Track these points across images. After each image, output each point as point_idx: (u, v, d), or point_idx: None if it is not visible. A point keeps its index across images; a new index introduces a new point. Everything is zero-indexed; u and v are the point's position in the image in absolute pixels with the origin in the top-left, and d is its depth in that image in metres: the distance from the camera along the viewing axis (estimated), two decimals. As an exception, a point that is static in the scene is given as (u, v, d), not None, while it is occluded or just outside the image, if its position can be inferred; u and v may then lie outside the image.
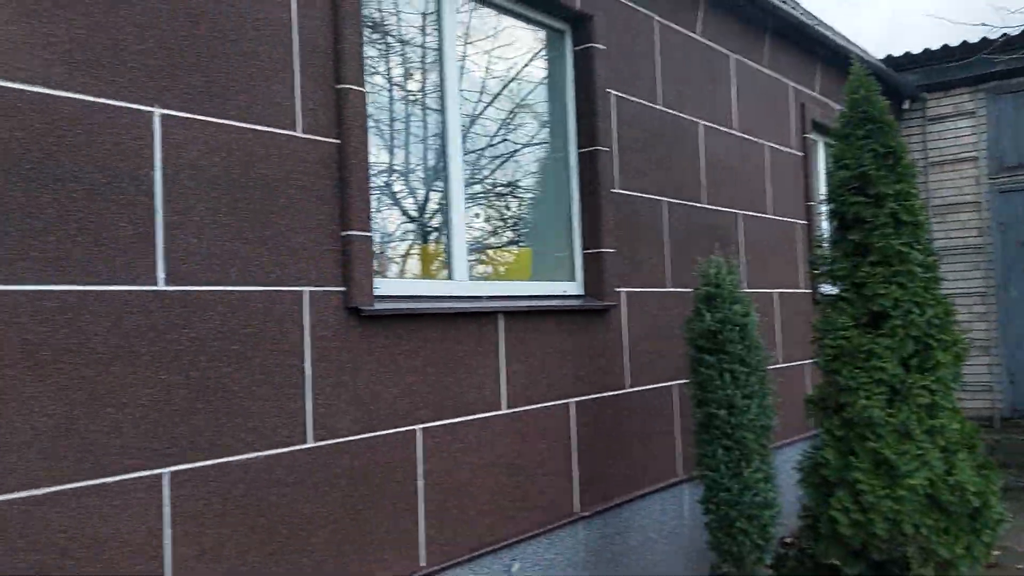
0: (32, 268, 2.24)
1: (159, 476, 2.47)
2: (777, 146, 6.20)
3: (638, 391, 4.57)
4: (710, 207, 5.30)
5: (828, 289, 6.47)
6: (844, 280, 4.54)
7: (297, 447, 2.84)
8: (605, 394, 4.32)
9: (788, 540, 5.49)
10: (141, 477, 2.43)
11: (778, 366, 5.99)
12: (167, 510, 2.48)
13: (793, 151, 6.44)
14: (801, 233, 6.46)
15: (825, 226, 6.55)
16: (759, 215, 5.87)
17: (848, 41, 7.54)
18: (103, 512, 2.33)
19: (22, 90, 2.25)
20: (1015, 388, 8.20)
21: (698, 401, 3.99)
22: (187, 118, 2.62)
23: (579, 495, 4.09)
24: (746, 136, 5.78)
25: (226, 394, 2.66)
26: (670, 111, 4.98)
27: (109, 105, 2.43)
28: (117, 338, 2.40)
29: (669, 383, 4.83)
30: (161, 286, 2.52)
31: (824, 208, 6.55)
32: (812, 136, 6.77)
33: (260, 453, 2.73)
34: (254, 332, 2.75)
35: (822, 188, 6.97)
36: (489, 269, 3.97)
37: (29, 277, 2.23)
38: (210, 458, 2.60)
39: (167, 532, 2.48)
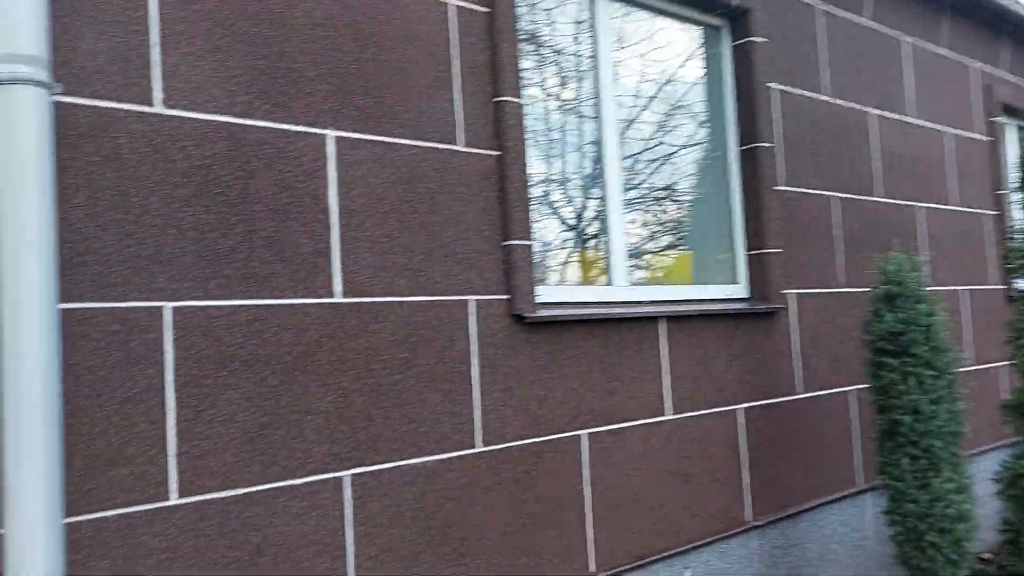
0: (224, 284, 2.42)
1: (340, 479, 2.60)
2: (960, 132, 5.75)
3: (810, 396, 4.36)
4: (886, 200, 5.00)
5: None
6: (1043, 274, 4.16)
7: (466, 452, 2.91)
8: (775, 400, 4.15)
9: (986, 556, 5.06)
10: (324, 479, 2.57)
11: (969, 369, 5.54)
12: (348, 511, 2.61)
13: (979, 136, 5.96)
14: (991, 225, 5.96)
15: (1019, 216, 6.01)
16: (942, 207, 5.47)
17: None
18: (291, 512, 2.49)
19: (211, 120, 2.44)
20: None
21: (880, 407, 3.76)
22: (357, 138, 2.76)
23: (751, 503, 3.94)
24: (924, 123, 5.40)
25: (399, 400, 2.76)
26: (838, 101, 4.74)
27: (288, 130, 2.60)
28: (299, 348, 2.56)
29: (844, 388, 4.58)
30: (338, 298, 2.66)
31: (1017, 196, 6.01)
32: (1001, 119, 6.24)
33: (432, 457, 2.82)
34: (423, 340, 2.85)
35: (1014, 175, 6.39)
36: (649, 273, 3.92)
37: (222, 293, 2.42)
38: (387, 461, 2.71)
39: (349, 532, 2.60)
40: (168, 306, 2.32)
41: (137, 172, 2.29)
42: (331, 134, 2.70)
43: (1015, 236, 4.54)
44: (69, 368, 2.14)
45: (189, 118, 2.40)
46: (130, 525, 2.20)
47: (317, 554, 2.53)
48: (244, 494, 2.40)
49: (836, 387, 4.52)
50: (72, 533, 2.11)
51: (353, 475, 2.63)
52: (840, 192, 4.68)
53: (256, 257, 2.50)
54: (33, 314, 1.99)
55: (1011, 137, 6.52)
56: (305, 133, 2.64)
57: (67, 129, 2.19)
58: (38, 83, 2.02)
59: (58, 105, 2.17)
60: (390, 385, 2.75)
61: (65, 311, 2.14)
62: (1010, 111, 6.39)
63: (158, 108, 2.35)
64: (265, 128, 2.55)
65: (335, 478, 2.59)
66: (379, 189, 2.79)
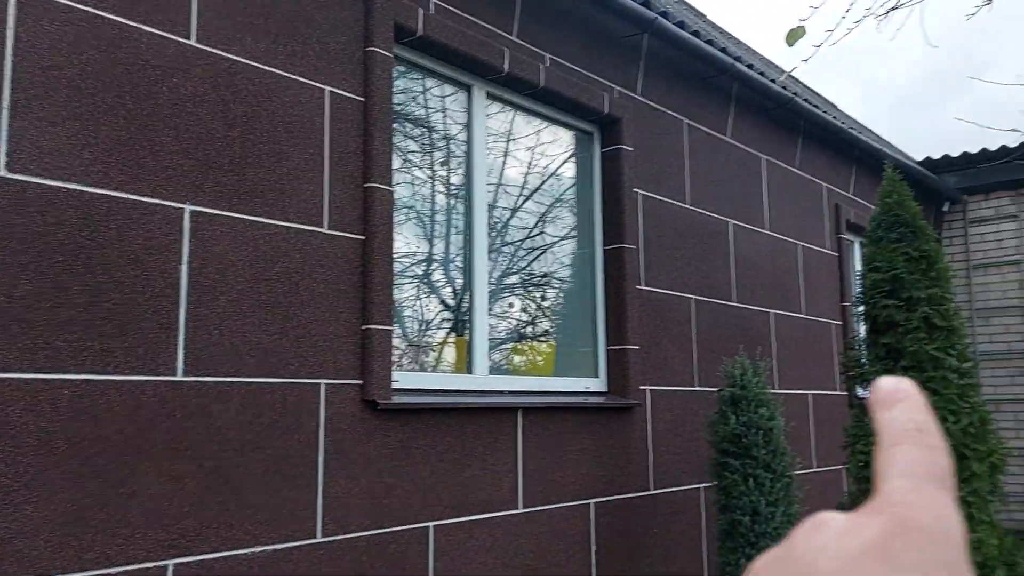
0: (55, 357, 2.31)
1: (164, 568, 2.48)
2: (811, 246, 6.18)
3: (662, 493, 4.48)
4: (740, 305, 5.28)
5: (863, 393, 6.33)
6: (876, 385, 4.46)
7: (305, 541, 2.83)
8: (627, 495, 4.23)
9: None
10: (145, 568, 2.43)
11: (813, 471, 5.82)
12: (170, 602, 2.47)
13: (827, 251, 6.42)
14: (837, 334, 6.37)
15: (859, 328, 6.46)
16: (792, 315, 5.82)
17: (883, 143, 7.56)
18: (105, 602, 2.34)
19: (60, 187, 2.37)
20: (1068, 501, 7.82)
21: (722, 507, 3.89)
22: (217, 215, 2.73)
23: (597, 600, 3.97)
24: (778, 235, 5.78)
25: (237, 485, 2.67)
26: (698, 210, 5.03)
27: (142, 202, 2.55)
28: (132, 427, 2.45)
29: (696, 486, 4.72)
30: (179, 376, 2.57)
31: (857, 310, 6.48)
32: (847, 236, 6.75)
33: (267, 547, 2.72)
34: (269, 423, 2.78)
35: (856, 288, 6.88)
36: (511, 363, 3.98)
37: (51, 366, 2.30)
38: (217, 551, 2.60)
39: (168, 625, 2.46)
40: (-11, 377, 2.19)
41: (-31, 235, 2.19)
42: (189, 208, 2.66)
43: (854, 346, 4.87)
44: None
45: (34, 183, 2.32)
46: (-84, 615, 2.02)
47: (131, 649, 2.38)
48: (54, 582, 2.25)
49: (687, 485, 4.66)
50: None
51: (177, 564, 2.50)
52: (698, 295, 4.92)
53: (94, 330, 2.40)
54: None
55: (856, 253, 7.05)
56: (161, 206, 2.59)
57: None
58: None
59: None
60: (229, 469, 2.66)
61: None
62: (855, 229, 6.92)
63: (1, 171, 2.26)
64: (119, 199, 2.50)
65: (158, 567, 2.46)
66: (235, 266, 2.76)
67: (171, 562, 2.49)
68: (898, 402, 0.34)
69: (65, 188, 2.38)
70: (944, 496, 0.30)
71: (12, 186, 2.28)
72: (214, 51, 2.77)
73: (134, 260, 2.51)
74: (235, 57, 2.83)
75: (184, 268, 2.62)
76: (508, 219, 4.05)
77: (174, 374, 2.56)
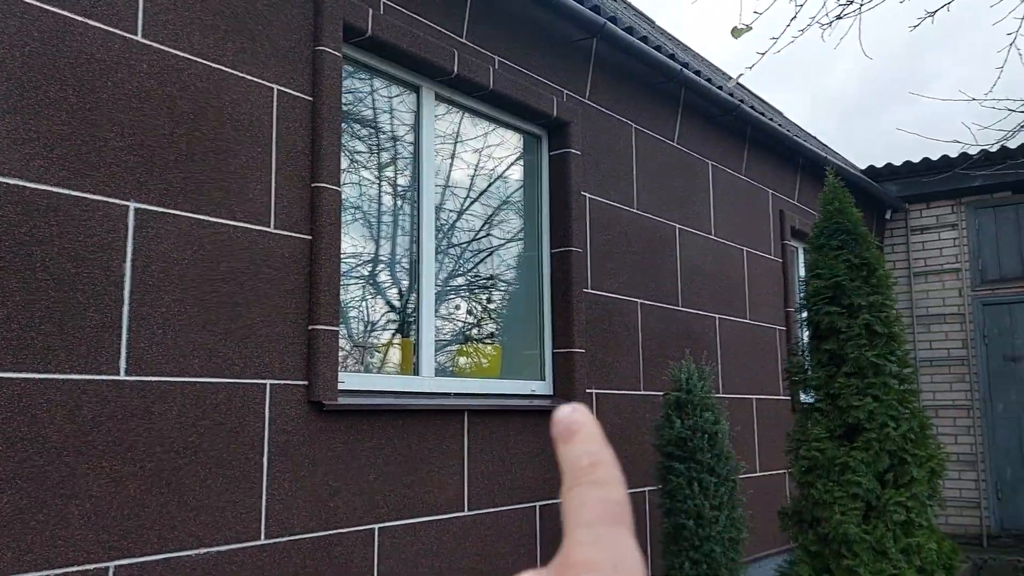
0: (-9, 355, 2.27)
1: (105, 570, 2.44)
2: (755, 251, 6.31)
3: (609, 494, 4.51)
4: (686, 310, 5.36)
5: (807, 398, 6.46)
6: (819, 390, 4.56)
7: (248, 544, 2.81)
8: (574, 497, 4.26)
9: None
10: (85, 571, 2.39)
11: (756, 475, 5.93)
12: (108, 606, 2.44)
13: (772, 257, 6.55)
14: (781, 339, 6.50)
15: (802, 333, 6.60)
16: (737, 319, 5.93)
17: (828, 151, 7.73)
18: (40, 606, 2.29)
19: (-2, 182, 2.33)
20: (1002, 504, 8.07)
21: (666, 510, 3.95)
22: (161, 212, 2.70)
23: (544, 601, 3.99)
24: (724, 240, 5.89)
25: (179, 487, 2.64)
26: (646, 214, 5.10)
27: (85, 198, 2.51)
28: (72, 427, 2.41)
29: (641, 489, 4.78)
30: (122, 376, 2.54)
31: (800, 316, 6.63)
32: (792, 243, 6.89)
33: (210, 549, 2.70)
34: (213, 424, 2.76)
35: (799, 294, 7.03)
36: (458, 365, 3.99)
37: (-13, 364, 2.26)
38: (159, 553, 2.57)
39: (106, 629, 2.43)
40: (-80, 375, 2.14)
41: (-99, 229, 2.14)
42: (133, 206, 2.63)
43: (798, 352, 4.98)
44: None
45: (-29, 177, 2.27)
46: None
47: (66, 653, 2.34)
48: (-14, 586, 2.20)
49: (632, 488, 4.72)
50: None
51: (118, 566, 2.46)
52: (644, 299, 4.98)
53: (34, 328, 2.36)
54: None
55: (800, 259, 7.21)
56: (104, 203, 2.56)
57: None
58: None
59: None
60: (171, 471, 2.63)
61: None
62: (799, 235, 7.08)
63: (-64, 164, 2.21)
64: (60, 195, 2.45)
65: (98, 569, 2.42)
66: (180, 265, 2.73)
67: (112, 564, 2.45)
68: (574, 435, 0.33)
69: (4, 183, 2.34)
70: (622, 538, 0.30)
71: (-53, 180, 2.23)
72: (161, 47, 2.74)
73: (76, 258, 2.47)
74: (182, 53, 2.80)
75: (127, 266, 2.59)
76: (456, 221, 4.07)
77: (116, 374, 2.52)
